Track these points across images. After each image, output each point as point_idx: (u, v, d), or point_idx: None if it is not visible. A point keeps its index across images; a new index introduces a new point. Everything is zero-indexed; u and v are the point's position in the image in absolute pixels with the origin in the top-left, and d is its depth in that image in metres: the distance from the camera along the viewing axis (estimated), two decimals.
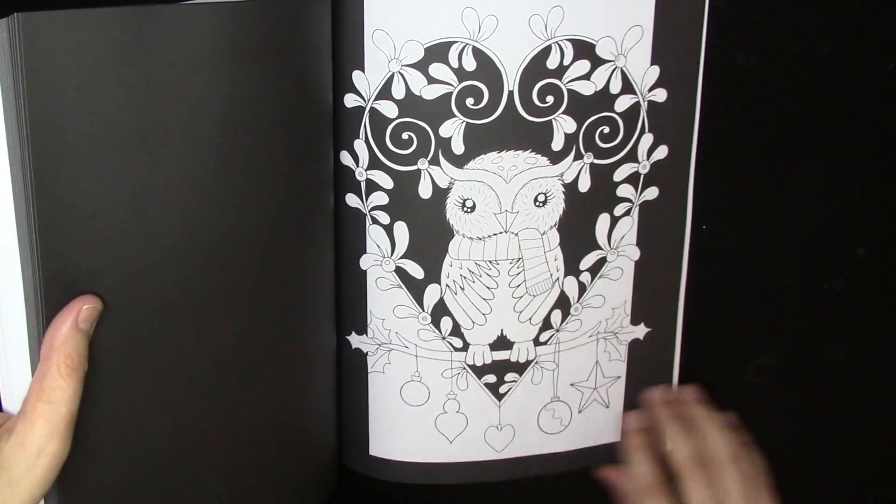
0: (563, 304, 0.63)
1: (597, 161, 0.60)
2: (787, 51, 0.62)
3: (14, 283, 0.45)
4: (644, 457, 0.63)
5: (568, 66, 0.57)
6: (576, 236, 0.61)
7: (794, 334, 0.67)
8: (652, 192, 0.62)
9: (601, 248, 0.62)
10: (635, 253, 0.63)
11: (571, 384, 0.65)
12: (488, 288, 0.61)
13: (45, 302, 0.45)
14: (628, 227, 0.62)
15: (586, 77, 0.58)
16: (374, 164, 0.59)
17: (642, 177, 0.61)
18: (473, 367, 0.63)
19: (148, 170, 0.46)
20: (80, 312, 0.45)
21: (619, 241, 0.62)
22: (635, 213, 0.62)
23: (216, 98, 0.48)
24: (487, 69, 0.56)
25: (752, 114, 0.63)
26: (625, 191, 0.61)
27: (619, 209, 0.62)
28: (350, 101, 0.58)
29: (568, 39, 0.57)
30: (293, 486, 0.61)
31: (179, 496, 0.53)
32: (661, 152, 0.61)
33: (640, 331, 0.65)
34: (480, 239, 0.60)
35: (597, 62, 0.58)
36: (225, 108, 0.49)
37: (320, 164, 0.58)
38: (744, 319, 0.67)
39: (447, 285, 0.61)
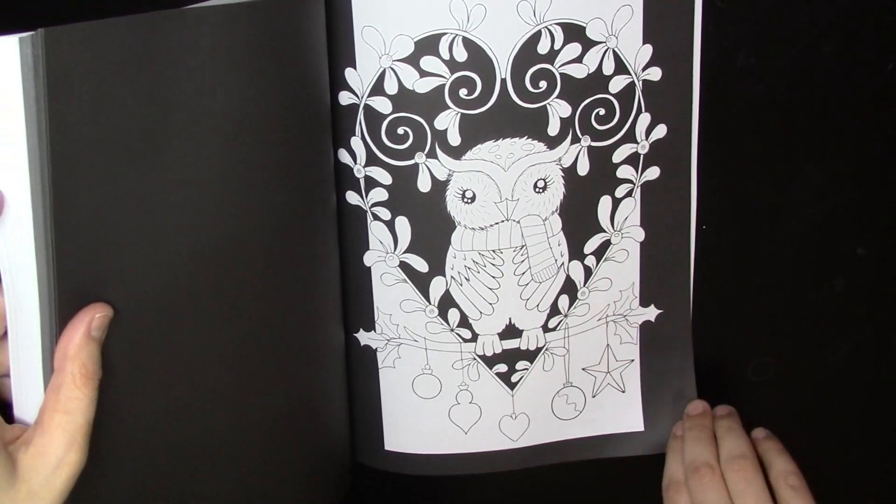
0: (569, 288, 0.63)
1: (594, 144, 0.60)
2: (787, 51, 0.61)
3: (29, 294, 0.45)
4: (675, 458, 0.64)
5: (559, 51, 0.57)
6: (578, 220, 0.61)
7: (794, 334, 0.67)
8: (653, 172, 0.61)
9: (605, 231, 0.62)
10: (640, 234, 0.63)
11: (583, 369, 0.65)
12: (493, 277, 0.61)
13: (59, 312, 0.44)
14: (631, 209, 0.62)
15: (578, 60, 0.57)
16: (372, 160, 0.59)
17: (642, 157, 0.61)
18: (483, 358, 0.63)
19: (157, 174, 0.46)
20: (93, 321, 0.45)
21: (623, 222, 0.62)
22: (637, 193, 0.62)
23: (220, 100, 0.49)
24: (479, 59, 0.56)
25: (752, 114, 0.63)
26: (625, 172, 0.61)
27: (621, 191, 0.61)
28: (344, 98, 0.58)
29: (557, 23, 0.56)
30: (306, 486, 0.61)
31: (191, 500, 0.53)
32: (660, 131, 0.61)
33: (651, 312, 0.65)
34: (482, 229, 0.60)
35: (588, 44, 0.57)
36: (229, 110, 0.49)
37: (321, 163, 0.58)
38: (744, 319, 0.67)
39: (452, 277, 0.61)
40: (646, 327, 0.65)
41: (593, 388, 0.66)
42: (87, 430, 0.44)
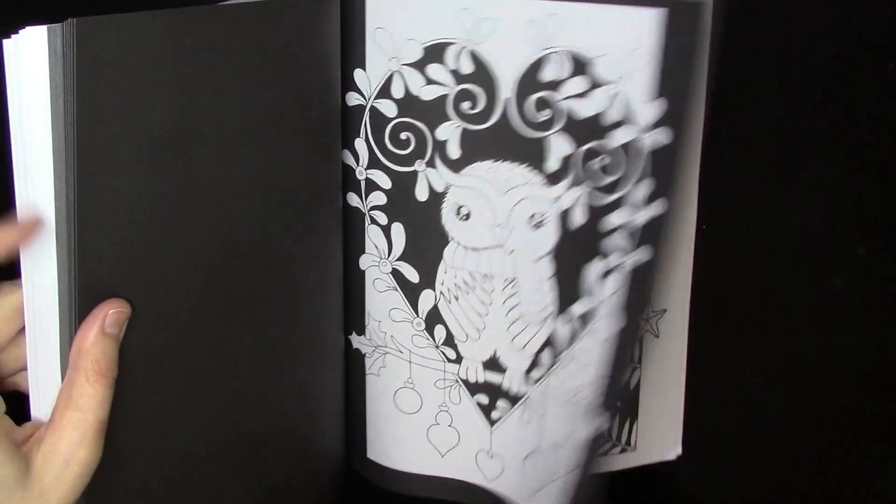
0: (554, 344, 0.58)
1: (594, 195, 0.55)
2: (787, 51, 0.60)
3: (48, 288, 0.44)
4: None
5: (564, 81, 0.53)
6: (569, 274, 0.57)
7: (795, 334, 0.66)
8: (644, 252, 0.55)
9: (591, 296, 0.57)
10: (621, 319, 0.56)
11: (554, 442, 0.60)
12: (482, 303, 0.58)
13: (79, 307, 0.44)
14: (617, 286, 0.56)
15: (583, 95, 0.53)
16: (374, 163, 0.58)
17: (639, 231, 0.55)
18: (466, 383, 0.61)
19: (180, 171, 0.46)
20: (107, 317, 0.44)
21: (610, 297, 0.56)
22: (627, 269, 0.56)
23: (243, 99, 0.49)
24: (484, 74, 0.54)
25: (752, 114, 0.61)
26: (616, 241, 0.55)
27: (612, 260, 0.56)
28: (351, 99, 0.57)
29: (565, 52, 0.53)
30: (303, 487, 0.62)
31: (201, 499, 0.53)
32: (659, 206, 0.54)
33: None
34: (475, 249, 0.57)
35: (595, 82, 0.53)
36: (251, 109, 0.50)
37: (331, 164, 0.58)
38: (744, 319, 0.66)
39: (441, 293, 0.59)
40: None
41: (561, 469, 0.60)
42: (99, 427, 0.44)
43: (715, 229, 0.62)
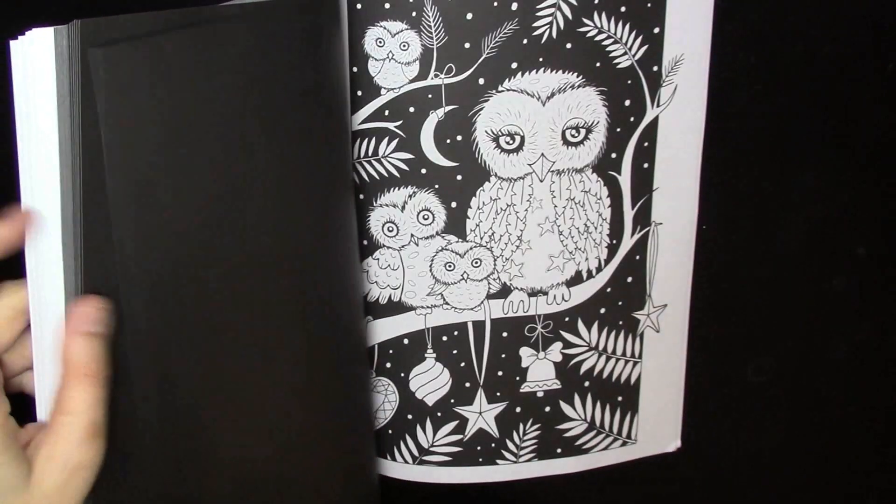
0: None
1: None
2: (787, 51, 0.60)
3: (54, 290, 0.44)
4: None
5: None
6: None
7: (794, 334, 0.66)
8: None
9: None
10: None
11: None
12: None
13: None
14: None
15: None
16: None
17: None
18: None
19: (189, 171, 0.46)
20: (84, 316, 0.43)
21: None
22: None
23: (247, 98, 0.48)
24: None
25: (753, 114, 0.61)
26: None
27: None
28: None
29: None
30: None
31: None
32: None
33: None
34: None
35: None
36: (255, 108, 0.49)
37: (341, 158, 0.57)
38: (744, 319, 0.66)
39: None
40: None
41: None
42: (93, 429, 0.43)
43: (715, 229, 0.62)
